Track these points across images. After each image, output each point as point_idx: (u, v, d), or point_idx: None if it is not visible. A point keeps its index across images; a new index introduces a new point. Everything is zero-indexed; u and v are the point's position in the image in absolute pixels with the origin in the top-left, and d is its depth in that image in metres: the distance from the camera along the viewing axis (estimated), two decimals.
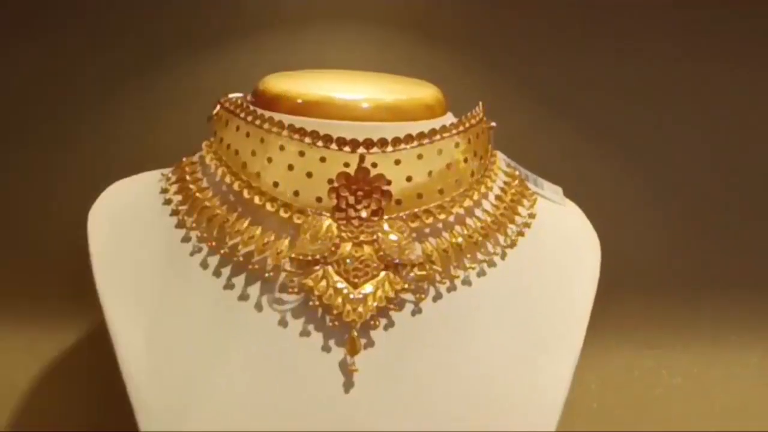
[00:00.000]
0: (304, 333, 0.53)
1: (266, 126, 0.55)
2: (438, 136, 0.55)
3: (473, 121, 0.58)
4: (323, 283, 0.53)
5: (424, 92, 0.60)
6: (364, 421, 0.51)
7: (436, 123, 0.56)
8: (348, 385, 0.52)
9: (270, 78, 0.60)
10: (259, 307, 0.53)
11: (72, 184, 0.81)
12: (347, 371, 0.52)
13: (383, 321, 0.53)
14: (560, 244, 0.61)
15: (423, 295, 0.54)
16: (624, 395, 0.87)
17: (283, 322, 0.53)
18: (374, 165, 0.53)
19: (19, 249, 0.83)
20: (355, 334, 0.52)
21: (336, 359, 0.52)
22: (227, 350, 0.53)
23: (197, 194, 0.57)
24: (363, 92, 0.57)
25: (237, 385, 0.52)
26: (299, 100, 0.56)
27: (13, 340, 0.84)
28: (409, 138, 0.54)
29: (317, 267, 0.53)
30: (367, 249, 0.53)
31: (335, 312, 0.52)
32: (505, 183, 0.61)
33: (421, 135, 0.55)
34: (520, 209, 0.60)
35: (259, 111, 0.57)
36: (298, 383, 0.52)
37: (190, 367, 0.52)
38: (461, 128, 0.57)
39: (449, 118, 0.60)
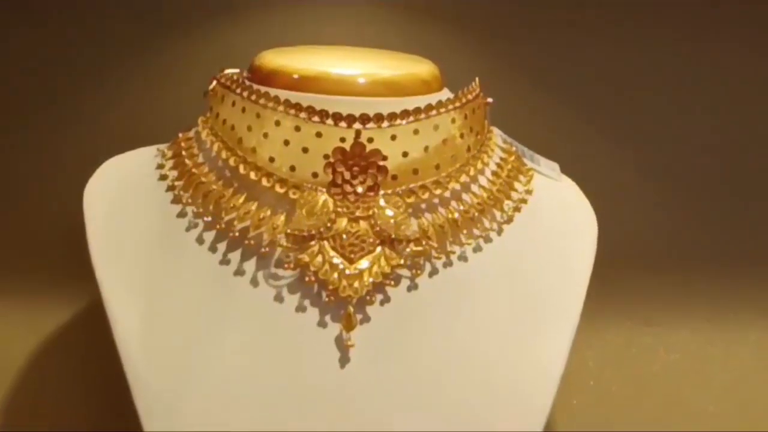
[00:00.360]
0: (300, 308, 0.53)
1: (262, 101, 0.55)
2: (434, 112, 0.55)
3: (470, 97, 0.58)
4: (319, 258, 0.52)
5: (421, 68, 0.59)
6: (361, 396, 0.52)
7: (433, 98, 0.56)
8: (344, 361, 0.52)
9: (266, 53, 0.59)
10: (254, 282, 0.53)
11: (69, 161, 0.81)
12: (343, 347, 0.52)
13: (379, 296, 0.53)
14: (557, 219, 0.61)
15: (419, 271, 0.54)
16: (622, 372, 0.87)
17: (279, 298, 0.53)
18: (370, 140, 0.53)
19: (17, 226, 0.83)
20: (351, 309, 0.52)
21: (332, 335, 0.52)
22: (223, 327, 0.53)
23: (193, 170, 0.57)
24: (359, 68, 0.57)
25: (233, 362, 0.52)
26: (295, 76, 0.56)
27: (12, 316, 0.84)
28: (405, 113, 0.54)
29: (313, 242, 0.53)
30: (363, 224, 0.53)
31: (331, 287, 0.52)
32: (502, 159, 0.61)
33: (418, 110, 0.54)
34: (516, 185, 0.60)
35: (255, 86, 0.56)
36: (294, 359, 0.52)
37: (186, 344, 0.52)
38: (457, 104, 0.57)
39: (446, 94, 0.60)
